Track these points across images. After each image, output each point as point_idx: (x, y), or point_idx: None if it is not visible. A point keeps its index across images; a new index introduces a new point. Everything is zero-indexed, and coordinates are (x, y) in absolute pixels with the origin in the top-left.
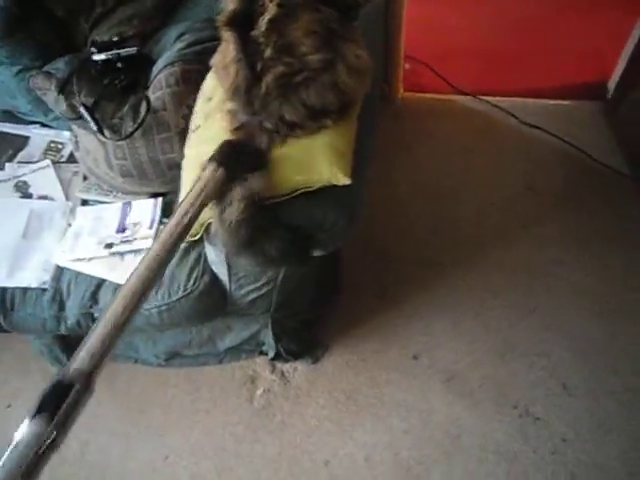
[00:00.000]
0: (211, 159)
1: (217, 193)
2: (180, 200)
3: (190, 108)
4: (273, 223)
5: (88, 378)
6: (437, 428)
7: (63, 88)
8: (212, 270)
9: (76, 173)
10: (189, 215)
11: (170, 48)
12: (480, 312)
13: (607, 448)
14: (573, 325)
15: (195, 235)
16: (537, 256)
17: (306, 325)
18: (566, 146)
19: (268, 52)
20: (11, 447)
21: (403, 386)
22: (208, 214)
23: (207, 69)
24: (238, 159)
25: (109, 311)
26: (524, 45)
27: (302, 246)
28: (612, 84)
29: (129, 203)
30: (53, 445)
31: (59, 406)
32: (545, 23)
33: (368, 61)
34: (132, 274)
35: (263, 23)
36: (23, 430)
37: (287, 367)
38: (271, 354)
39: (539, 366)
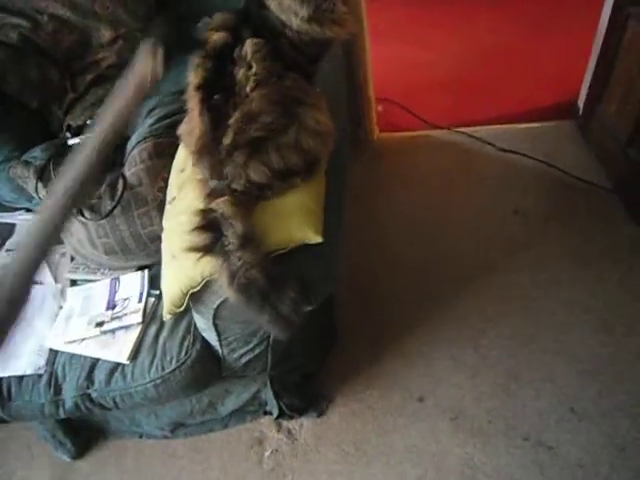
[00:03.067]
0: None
1: None
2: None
3: (165, 181)
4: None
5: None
6: (451, 471)
7: (41, 175)
8: (203, 337)
9: (63, 254)
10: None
11: (141, 124)
12: (480, 344)
13: (624, 468)
14: (575, 345)
15: (180, 306)
16: (531, 279)
17: (307, 379)
18: (546, 167)
19: (231, 118)
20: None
21: (412, 430)
22: (189, 281)
23: (178, 141)
24: None
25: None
26: (493, 74)
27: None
28: (581, 101)
29: (117, 279)
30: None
31: None
32: (510, 51)
33: (328, 124)
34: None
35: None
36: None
37: (293, 424)
38: (275, 413)
39: (545, 393)
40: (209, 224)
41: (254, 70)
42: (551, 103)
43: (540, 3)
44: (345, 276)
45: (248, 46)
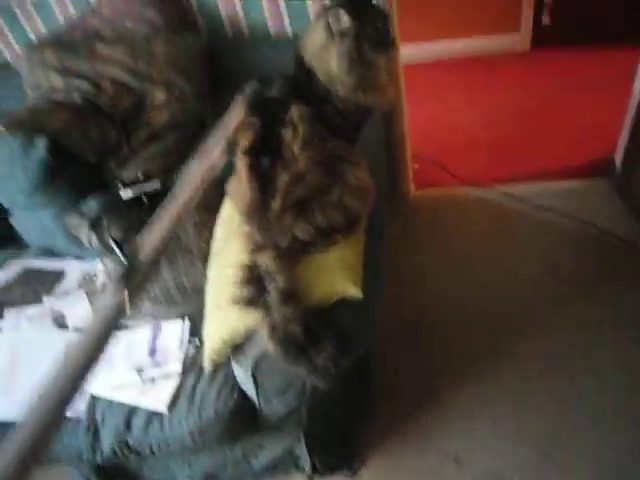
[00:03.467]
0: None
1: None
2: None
3: (211, 232)
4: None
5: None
6: None
7: (94, 225)
8: (241, 389)
9: None
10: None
11: None
12: (520, 405)
13: None
14: (620, 410)
15: (221, 356)
16: (571, 339)
17: (341, 436)
18: (582, 225)
19: (278, 180)
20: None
21: None
22: (232, 331)
23: (225, 195)
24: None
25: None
26: (528, 131)
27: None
28: (618, 159)
29: (158, 326)
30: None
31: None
32: (545, 108)
33: (368, 182)
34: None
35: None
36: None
37: None
38: (307, 469)
39: (587, 460)
40: (253, 278)
41: (300, 133)
42: (587, 161)
43: (576, 61)
44: (382, 331)
45: (294, 110)
